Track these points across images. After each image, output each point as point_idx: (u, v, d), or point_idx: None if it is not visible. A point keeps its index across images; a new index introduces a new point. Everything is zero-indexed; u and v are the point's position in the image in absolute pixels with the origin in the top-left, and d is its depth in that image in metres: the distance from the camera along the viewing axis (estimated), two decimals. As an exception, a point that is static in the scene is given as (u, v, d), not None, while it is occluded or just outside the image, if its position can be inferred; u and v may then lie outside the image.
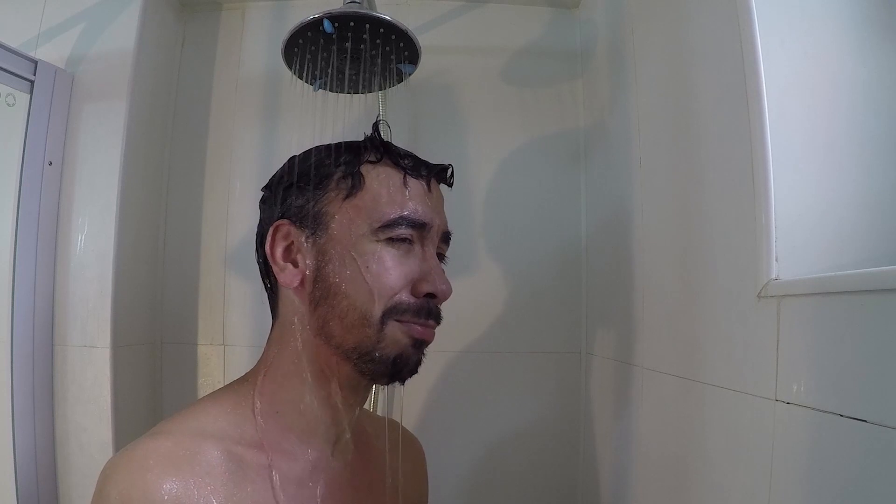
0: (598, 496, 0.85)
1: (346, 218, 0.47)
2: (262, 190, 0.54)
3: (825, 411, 0.37)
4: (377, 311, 0.45)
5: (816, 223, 0.44)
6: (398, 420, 0.61)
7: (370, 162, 0.48)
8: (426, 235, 0.48)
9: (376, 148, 0.49)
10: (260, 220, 0.53)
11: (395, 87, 0.81)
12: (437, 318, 0.48)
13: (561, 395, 0.94)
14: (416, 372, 0.48)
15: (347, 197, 0.47)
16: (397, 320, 0.46)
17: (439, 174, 0.52)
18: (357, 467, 0.52)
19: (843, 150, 0.45)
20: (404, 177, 0.48)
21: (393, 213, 0.46)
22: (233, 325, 0.95)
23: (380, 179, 0.48)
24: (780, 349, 0.42)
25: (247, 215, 0.96)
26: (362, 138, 0.51)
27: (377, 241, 0.46)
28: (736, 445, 0.48)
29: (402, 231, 0.46)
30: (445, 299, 0.48)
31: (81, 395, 0.80)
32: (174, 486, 0.41)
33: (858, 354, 0.35)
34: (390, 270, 0.46)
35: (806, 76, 0.46)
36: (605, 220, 0.87)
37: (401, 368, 0.47)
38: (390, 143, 0.50)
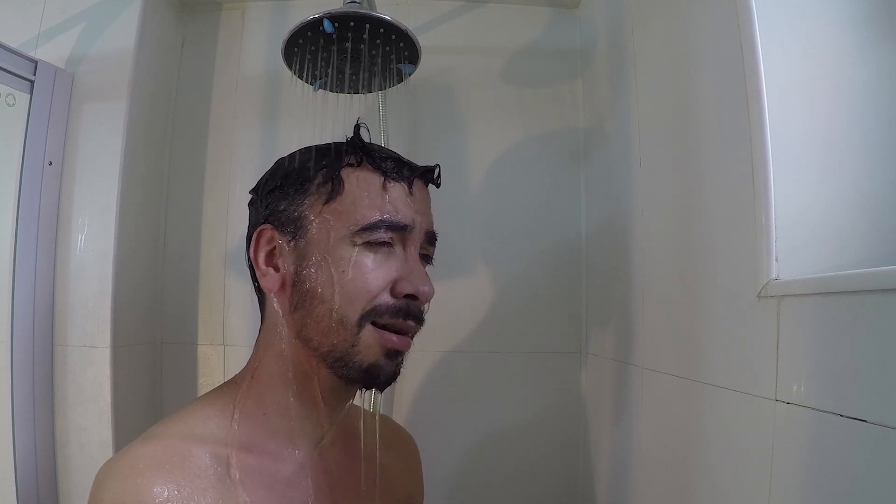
0: (597, 496, 0.85)
1: (325, 222, 0.47)
2: (249, 192, 0.54)
3: (825, 411, 0.37)
4: (355, 314, 0.45)
5: (816, 223, 0.44)
6: (396, 420, 0.61)
7: (350, 165, 0.48)
8: (407, 237, 0.48)
9: (356, 151, 0.48)
10: (248, 222, 0.53)
11: (395, 87, 0.81)
12: (418, 320, 0.48)
13: (561, 395, 0.94)
14: (394, 381, 0.48)
15: (327, 201, 0.47)
16: (374, 323, 0.46)
17: (424, 175, 0.51)
18: (346, 465, 0.52)
19: (843, 150, 0.45)
20: (384, 180, 0.48)
21: (372, 217, 0.46)
22: (233, 325, 0.95)
23: (359, 183, 0.47)
24: (780, 349, 0.42)
25: (247, 215, 0.96)
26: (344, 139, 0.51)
27: (355, 244, 0.46)
28: (736, 445, 0.48)
29: (381, 235, 0.46)
30: (427, 301, 0.48)
31: (81, 395, 0.80)
32: (165, 489, 0.42)
33: (858, 354, 0.35)
34: (369, 274, 0.45)
35: (806, 76, 0.46)
36: (604, 220, 0.87)
37: (374, 378, 0.47)
38: (372, 144, 0.50)
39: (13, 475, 0.74)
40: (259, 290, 0.52)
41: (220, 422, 0.47)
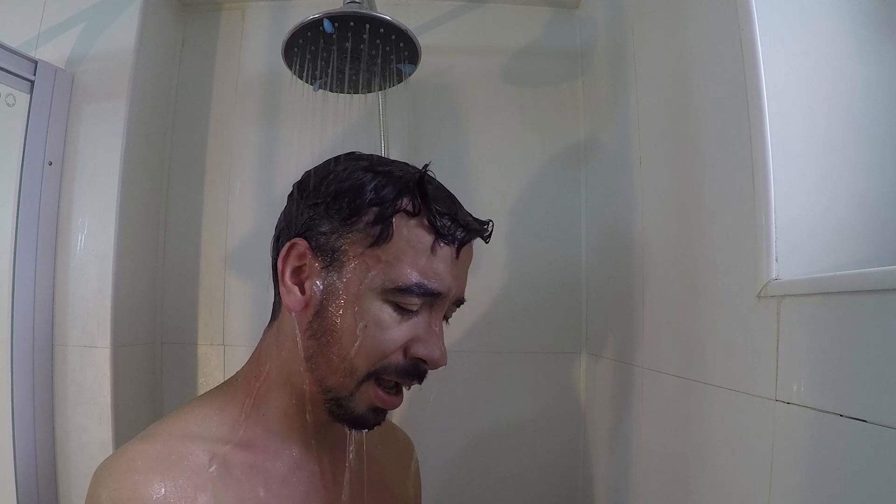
0: (597, 496, 0.85)
1: (363, 266, 0.45)
2: (294, 185, 0.51)
3: (825, 411, 0.37)
4: (364, 368, 0.45)
5: (816, 223, 0.44)
6: (395, 419, 0.61)
7: (406, 212, 0.45)
8: (437, 302, 0.46)
9: (415, 200, 0.45)
10: (285, 212, 0.51)
11: (395, 87, 0.81)
12: (420, 380, 0.48)
13: (561, 395, 0.94)
14: (375, 426, 0.49)
15: (372, 245, 0.44)
16: (378, 379, 0.45)
17: (477, 233, 0.49)
18: (342, 465, 0.52)
19: (843, 150, 0.45)
20: (434, 241, 0.45)
21: (410, 279, 0.44)
22: (233, 325, 0.95)
23: (409, 237, 0.45)
24: (780, 349, 0.42)
25: (247, 215, 0.96)
26: (414, 167, 0.48)
27: (385, 301, 0.44)
28: (736, 445, 0.48)
29: (413, 300, 0.44)
30: (436, 368, 0.47)
31: (81, 395, 0.80)
32: (162, 487, 0.42)
33: (858, 354, 0.35)
34: (388, 334, 0.44)
35: (806, 76, 0.46)
36: (605, 220, 0.87)
37: (357, 425, 0.48)
38: (435, 192, 0.47)
39: (13, 475, 0.74)
40: (278, 289, 0.50)
41: (218, 420, 0.47)
